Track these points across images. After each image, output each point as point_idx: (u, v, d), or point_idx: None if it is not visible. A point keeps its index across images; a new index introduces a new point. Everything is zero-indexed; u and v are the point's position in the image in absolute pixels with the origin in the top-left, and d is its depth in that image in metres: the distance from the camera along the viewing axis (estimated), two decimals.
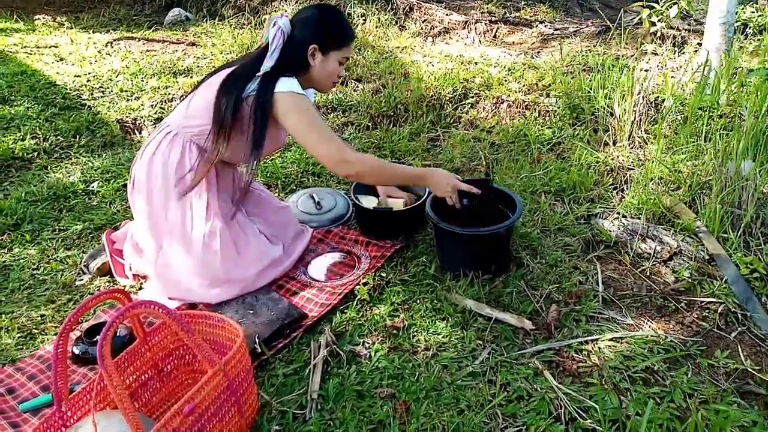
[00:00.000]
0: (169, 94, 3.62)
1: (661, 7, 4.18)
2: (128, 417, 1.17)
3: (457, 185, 2.01)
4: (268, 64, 1.85)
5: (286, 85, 1.84)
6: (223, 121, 1.84)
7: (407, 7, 4.96)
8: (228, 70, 1.93)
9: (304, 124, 1.85)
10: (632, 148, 2.83)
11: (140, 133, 3.37)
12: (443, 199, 2.04)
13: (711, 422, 1.40)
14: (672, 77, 3.35)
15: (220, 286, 1.95)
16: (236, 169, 2.15)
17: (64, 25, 5.08)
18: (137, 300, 1.34)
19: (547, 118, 3.30)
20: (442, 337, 1.78)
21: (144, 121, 3.41)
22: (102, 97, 3.63)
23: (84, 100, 3.58)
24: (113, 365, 1.18)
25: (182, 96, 3.57)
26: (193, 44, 4.44)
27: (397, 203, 2.30)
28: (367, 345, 1.77)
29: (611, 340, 1.74)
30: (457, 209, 2.04)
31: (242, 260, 1.98)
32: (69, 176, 2.84)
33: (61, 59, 4.14)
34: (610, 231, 2.25)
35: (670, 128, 2.82)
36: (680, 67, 3.67)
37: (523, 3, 5.14)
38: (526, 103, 3.38)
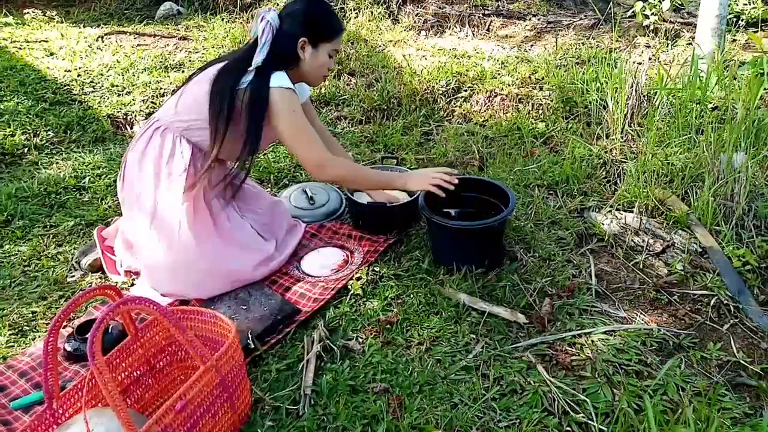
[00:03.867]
0: (161, 88, 3.60)
1: None
2: (119, 414, 1.16)
3: (438, 170, 2.05)
4: (258, 58, 1.84)
5: (279, 80, 1.84)
6: (219, 117, 1.84)
7: (400, 1, 4.94)
8: (219, 65, 1.92)
9: (294, 126, 1.87)
10: (625, 141, 2.83)
11: (131, 128, 3.35)
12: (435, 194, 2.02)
13: (703, 415, 1.41)
14: (665, 70, 3.35)
15: (212, 281, 1.94)
16: (227, 165, 2.14)
17: (54, 19, 5.02)
18: (128, 296, 1.33)
19: (540, 112, 3.29)
20: (436, 331, 1.78)
21: (135, 116, 3.39)
22: (93, 92, 3.60)
23: (74, 95, 3.55)
24: (104, 362, 1.18)
25: (173, 91, 3.55)
26: (185, 38, 4.41)
27: (391, 198, 2.30)
28: (360, 340, 1.77)
29: (604, 333, 1.75)
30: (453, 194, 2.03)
31: (233, 255, 1.97)
32: (60, 172, 2.82)
33: (52, 54, 4.10)
34: (603, 224, 2.25)
35: (662, 121, 2.82)
36: (673, 60, 3.67)
37: None
38: (519, 97, 3.38)
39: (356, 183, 2.13)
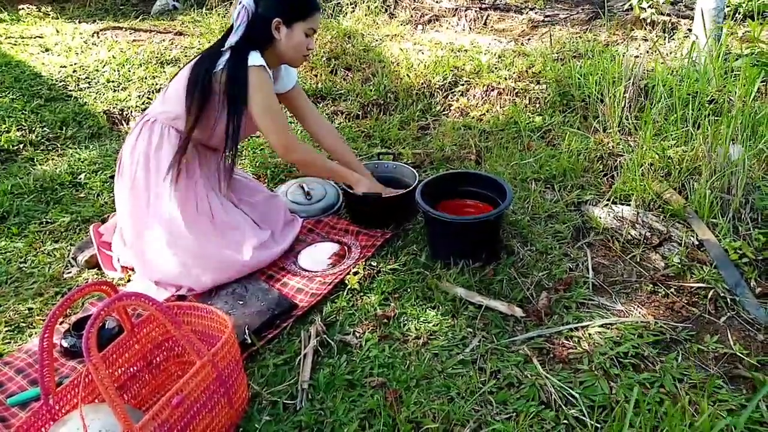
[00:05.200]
0: (157, 84, 3.58)
1: None
2: (115, 409, 1.16)
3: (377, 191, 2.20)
4: (232, 39, 1.88)
5: (255, 59, 1.87)
6: (193, 96, 1.87)
7: None
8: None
9: (265, 105, 1.91)
10: (622, 134, 2.82)
11: (127, 123, 3.33)
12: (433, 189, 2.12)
13: (700, 406, 1.41)
14: (662, 63, 3.35)
15: (208, 271, 1.94)
16: (219, 154, 2.14)
17: (49, 15, 4.99)
18: (123, 292, 1.33)
19: (537, 105, 3.29)
20: (433, 325, 1.78)
21: (131, 111, 3.37)
22: (88, 87, 3.58)
23: (70, 91, 3.53)
24: (99, 358, 1.18)
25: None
26: (181, 34, 4.38)
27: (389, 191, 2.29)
28: (357, 334, 1.77)
29: (601, 326, 1.75)
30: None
31: (228, 245, 1.97)
32: (56, 168, 2.81)
33: (47, 50, 4.08)
34: (600, 218, 2.25)
35: (659, 114, 2.81)
36: (670, 53, 3.67)
37: None
38: (516, 91, 3.37)
39: (313, 170, 2.20)
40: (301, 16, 1.94)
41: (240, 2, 1.90)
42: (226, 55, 1.87)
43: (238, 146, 2.01)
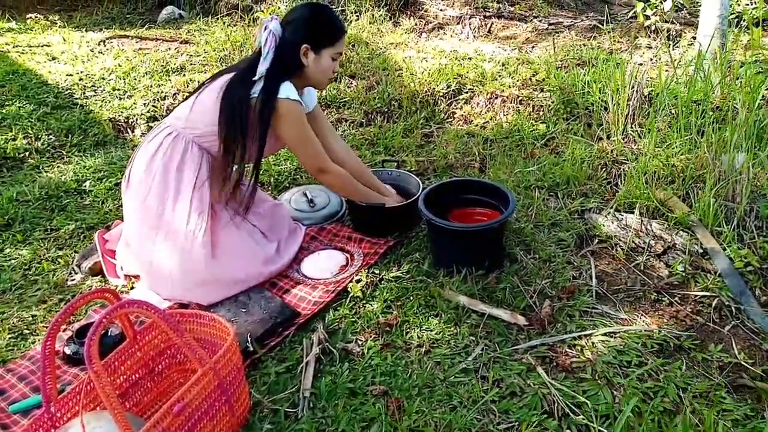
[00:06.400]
0: (162, 92, 3.60)
1: (656, 0, 4.16)
2: (116, 417, 1.16)
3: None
4: (262, 68, 1.88)
5: (287, 91, 1.89)
6: (233, 128, 1.89)
7: (401, 3, 4.94)
8: (228, 76, 1.95)
9: (298, 136, 1.98)
10: (626, 142, 2.82)
11: (133, 131, 3.35)
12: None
13: (704, 416, 1.40)
14: (666, 71, 3.34)
15: (216, 285, 1.94)
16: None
17: (56, 23, 5.04)
18: (126, 299, 1.33)
19: (540, 113, 3.29)
20: (435, 333, 1.77)
21: (137, 119, 3.39)
22: (94, 95, 3.61)
23: (76, 99, 3.56)
24: (101, 365, 1.18)
25: (176, 94, 3.55)
26: (186, 42, 4.41)
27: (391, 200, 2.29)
28: (359, 342, 1.77)
29: (605, 334, 1.74)
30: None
31: (236, 261, 1.97)
32: (61, 176, 2.82)
33: (54, 58, 4.11)
34: (603, 225, 2.25)
35: (663, 122, 2.81)
36: (674, 60, 3.66)
37: None
38: (520, 98, 3.37)
39: (347, 194, 2.24)
40: (330, 42, 1.95)
41: (266, 27, 1.89)
42: (260, 85, 1.88)
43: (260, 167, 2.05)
